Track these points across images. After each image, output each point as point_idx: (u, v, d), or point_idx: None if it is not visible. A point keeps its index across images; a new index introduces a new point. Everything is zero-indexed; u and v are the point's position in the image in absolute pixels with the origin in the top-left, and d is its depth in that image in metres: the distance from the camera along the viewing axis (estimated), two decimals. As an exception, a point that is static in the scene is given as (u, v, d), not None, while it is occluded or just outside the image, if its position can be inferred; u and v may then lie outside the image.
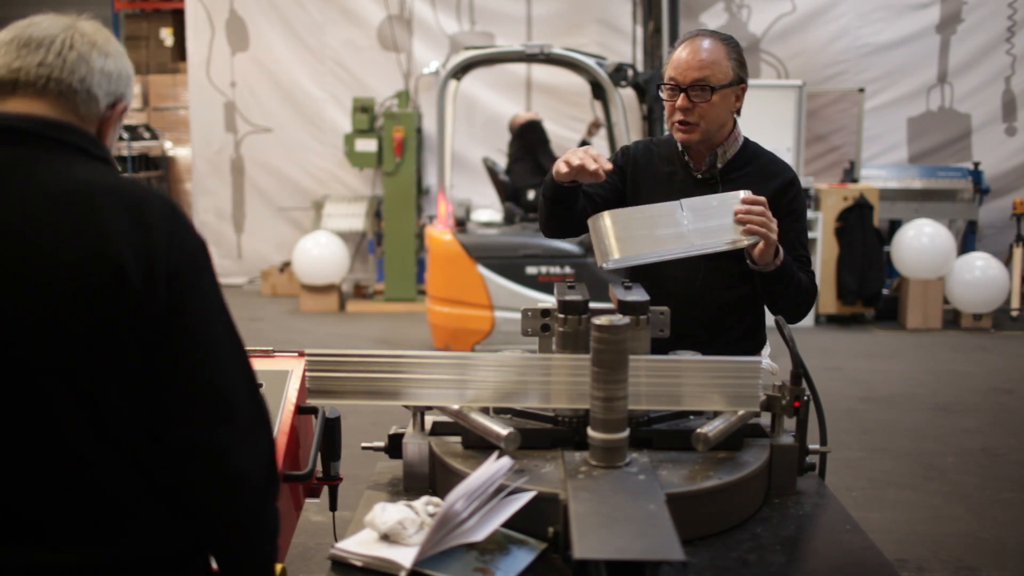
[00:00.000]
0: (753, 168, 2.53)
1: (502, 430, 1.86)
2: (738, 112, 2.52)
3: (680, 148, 2.55)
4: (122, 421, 1.33)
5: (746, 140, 2.58)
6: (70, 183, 1.34)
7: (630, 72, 7.04)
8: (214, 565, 1.49)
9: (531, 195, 7.80)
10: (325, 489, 2.19)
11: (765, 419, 2.08)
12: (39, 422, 1.30)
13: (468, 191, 9.07)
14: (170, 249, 1.34)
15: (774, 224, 2.27)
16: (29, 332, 1.29)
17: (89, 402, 1.31)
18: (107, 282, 1.29)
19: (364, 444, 2.16)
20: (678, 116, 2.45)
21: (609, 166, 2.25)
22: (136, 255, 1.31)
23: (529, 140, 8.02)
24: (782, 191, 2.52)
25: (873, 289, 8.19)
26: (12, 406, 1.29)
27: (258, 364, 1.58)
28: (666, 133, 2.60)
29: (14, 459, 1.30)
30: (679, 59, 2.44)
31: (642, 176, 2.59)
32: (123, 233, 1.31)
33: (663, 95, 2.49)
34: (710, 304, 2.49)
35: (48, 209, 1.31)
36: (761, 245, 2.25)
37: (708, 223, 2.22)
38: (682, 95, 2.43)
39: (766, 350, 2.63)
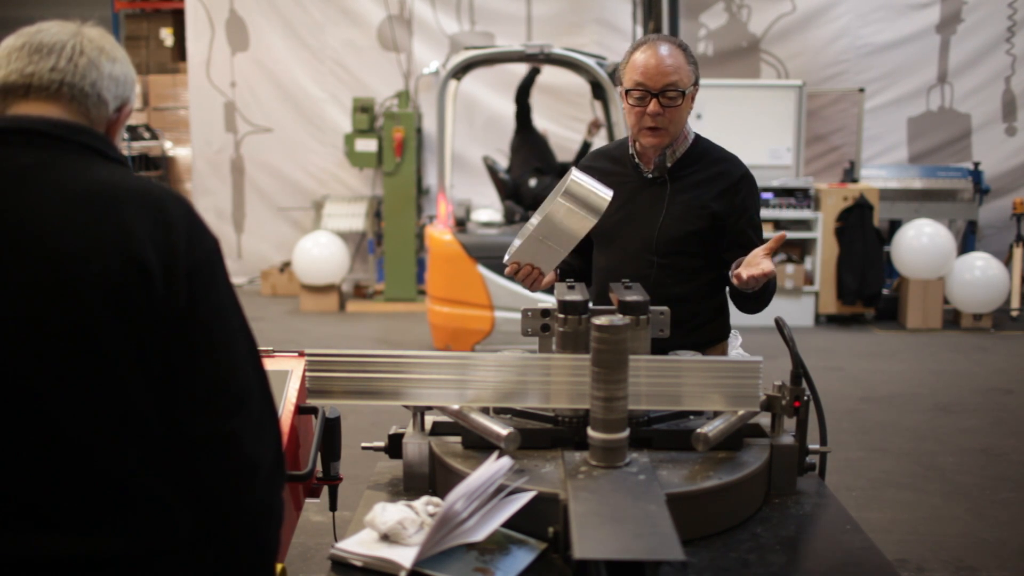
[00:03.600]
0: (702, 166, 2.56)
1: (502, 430, 1.86)
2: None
3: (631, 151, 2.57)
4: (141, 414, 1.36)
5: (697, 136, 2.61)
6: (92, 184, 1.36)
7: (630, 72, 7.04)
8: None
9: (532, 183, 7.81)
10: (325, 489, 2.20)
11: (765, 419, 2.08)
12: (58, 416, 1.32)
13: (468, 191, 9.06)
14: (189, 248, 1.37)
15: (766, 267, 2.27)
16: (54, 331, 1.30)
17: (111, 397, 1.33)
18: (132, 283, 1.32)
19: (364, 444, 2.16)
20: (648, 122, 2.46)
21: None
22: (158, 255, 1.34)
23: (541, 148, 8.21)
24: (731, 191, 2.53)
25: (873, 289, 8.19)
26: (33, 400, 1.31)
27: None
28: (624, 136, 2.62)
29: (30, 451, 1.32)
30: (647, 65, 2.43)
31: None
32: (146, 234, 1.34)
33: (629, 102, 2.48)
34: (663, 300, 2.43)
35: (72, 211, 1.33)
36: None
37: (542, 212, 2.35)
38: (654, 101, 2.44)
39: (737, 340, 2.64)
